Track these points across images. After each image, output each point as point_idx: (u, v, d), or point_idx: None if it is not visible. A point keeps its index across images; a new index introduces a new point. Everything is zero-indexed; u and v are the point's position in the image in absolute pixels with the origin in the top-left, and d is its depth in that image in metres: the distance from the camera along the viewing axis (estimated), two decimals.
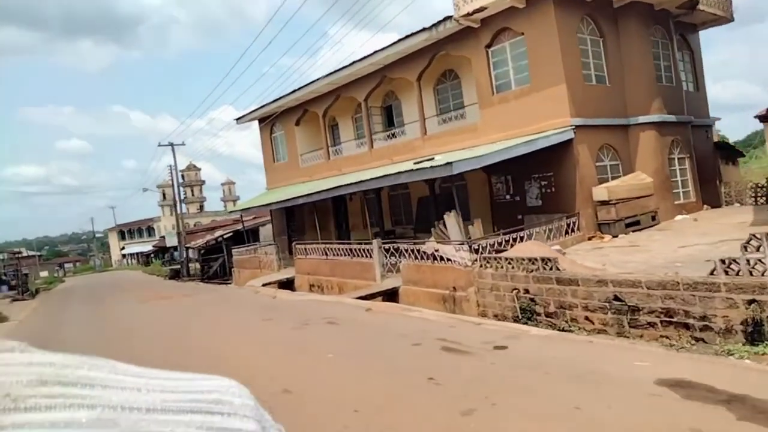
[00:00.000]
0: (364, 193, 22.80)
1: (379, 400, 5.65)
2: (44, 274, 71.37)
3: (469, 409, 5.00)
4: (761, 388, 4.87)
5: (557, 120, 15.26)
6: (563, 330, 9.97)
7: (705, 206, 18.08)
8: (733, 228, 13.75)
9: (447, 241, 14.03)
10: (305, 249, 20.90)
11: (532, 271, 11.21)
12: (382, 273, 16.30)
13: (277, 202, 22.64)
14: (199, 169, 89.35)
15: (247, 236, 29.46)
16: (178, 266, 41.61)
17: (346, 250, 18.29)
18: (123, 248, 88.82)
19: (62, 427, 0.36)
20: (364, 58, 20.31)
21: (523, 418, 4.74)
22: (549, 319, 10.75)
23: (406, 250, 15.14)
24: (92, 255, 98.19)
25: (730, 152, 21.79)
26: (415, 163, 16.17)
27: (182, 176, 74.09)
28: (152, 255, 67.81)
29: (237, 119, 29.74)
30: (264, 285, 20.97)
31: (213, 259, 37.04)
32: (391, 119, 23.43)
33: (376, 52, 19.78)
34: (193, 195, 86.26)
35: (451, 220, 14.17)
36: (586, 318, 10.03)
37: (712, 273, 8.56)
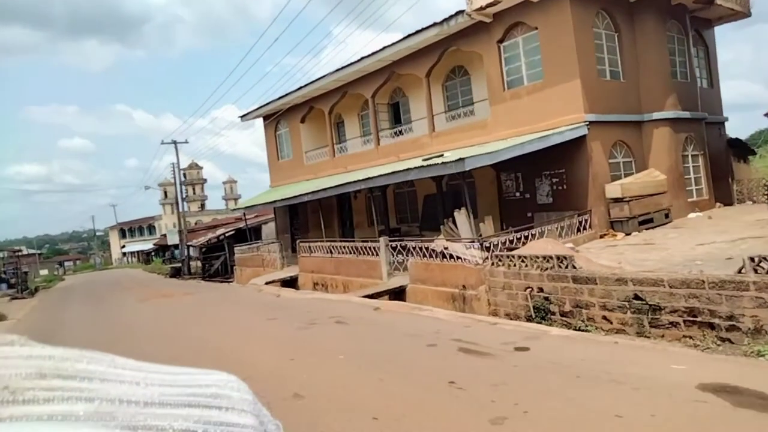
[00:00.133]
0: (369, 191, 22.47)
1: (399, 407, 5.28)
2: (44, 272, 71.07)
3: (499, 417, 4.64)
4: None
5: (570, 116, 14.90)
6: (580, 330, 9.62)
7: (718, 204, 17.72)
8: (751, 226, 13.40)
9: (457, 238, 13.66)
10: (309, 247, 20.54)
11: (546, 269, 10.84)
12: (389, 271, 15.94)
13: (282, 200, 22.29)
14: (201, 168, 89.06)
15: (249, 234, 29.13)
16: (179, 264, 41.27)
17: (352, 248, 17.93)
18: (123, 246, 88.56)
19: (60, 419, 0.35)
20: (373, 54, 19.96)
21: (561, 426, 4.38)
22: (564, 318, 10.39)
23: (414, 248, 14.78)
24: (93, 253, 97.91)
25: (741, 150, 21.41)
26: (424, 160, 15.81)
27: (184, 175, 73.79)
28: (153, 253, 67.52)
29: (241, 116, 29.41)
30: (267, 283, 20.61)
31: (214, 257, 36.70)
32: (398, 116, 23.07)
33: (385, 47, 19.43)
34: (194, 193, 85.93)
35: (462, 217, 13.81)
36: (604, 317, 9.67)
37: (740, 271, 8.21)
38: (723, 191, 18.36)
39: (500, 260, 11.92)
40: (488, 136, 17.07)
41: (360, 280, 16.89)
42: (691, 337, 8.43)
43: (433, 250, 14.00)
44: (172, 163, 40.74)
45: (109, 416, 0.38)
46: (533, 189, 16.32)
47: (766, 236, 11.86)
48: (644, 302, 9.01)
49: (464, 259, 12.96)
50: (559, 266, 10.60)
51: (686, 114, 16.71)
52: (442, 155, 15.63)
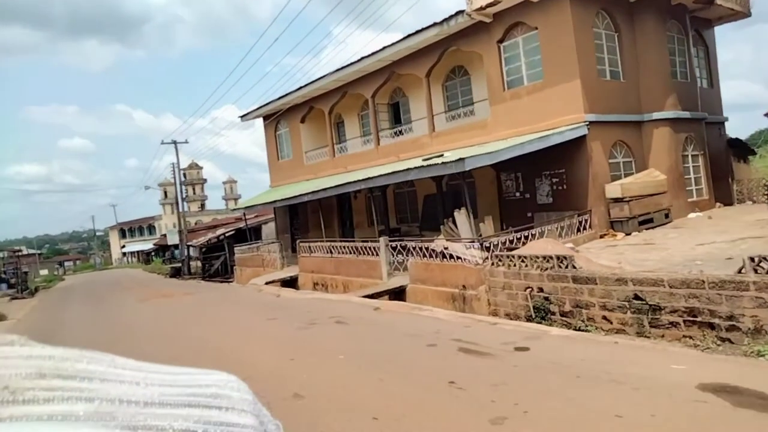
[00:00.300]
0: (369, 191, 22.47)
1: (399, 407, 5.28)
2: (44, 272, 71.09)
3: (499, 417, 4.63)
4: None
5: (570, 116, 14.90)
6: (580, 330, 9.62)
7: (718, 204, 17.72)
8: (751, 226, 13.40)
9: (457, 238, 13.66)
10: (309, 247, 20.54)
11: (546, 269, 10.84)
12: (389, 271, 15.94)
13: (282, 200, 22.29)
14: (201, 168, 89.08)
15: (249, 234, 29.14)
16: (179, 264, 41.26)
17: (352, 248, 17.93)
18: (123, 246, 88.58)
19: (60, 419, 0.35)
20: (373, 54, 19.96)
21: (561, 426, 4.37)
22: (564, 318, 10.39)
23: (414, 248, 14.78)
24: (92, 253, 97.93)
25: (741, 150, 21.41)
26: (424, 160, 15.82)
27: (184, 175, 73.77)
28: (153, 253, 67.53)
29: (241, 116, 29.41)
30: (267, 283, 20.61)
31: (214, 257, 36.69)
32: (397, 116, 23.07)
33: (385, 47, 19.43)
34: (194, 193, 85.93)
35: (462, 217, 13.81)
36: (604, 317, 9.67)
37: (740, 271, 8.22)
38: (723, 191, 18.37)
39: (500, 260, 11.92)
40: (488, 136, 17.07)
41: (360, 280, 16.90)
42: (691, 337, 8.43)
43: (433, 250, 14.00)
44: (172, 163, 40.77)
45: (110, 416, 0.38)
46: (533, 189, 16.32)
47: (766, 236, 11.86)
48: (644, 302, 9.01)
49: (464, 259, 12.96)
50: (559, 266, 10.60)
51: (686, 114, 16.71)
52: (442, 155, 15.63)
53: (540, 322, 10.48)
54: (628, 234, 14.47)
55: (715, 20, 19.49)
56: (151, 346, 10.19)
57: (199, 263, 38.77)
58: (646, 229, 14.79)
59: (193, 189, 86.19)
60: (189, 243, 39.82)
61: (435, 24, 17.54)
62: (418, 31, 18.17)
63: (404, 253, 15.47)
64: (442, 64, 19.14)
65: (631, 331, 9.22)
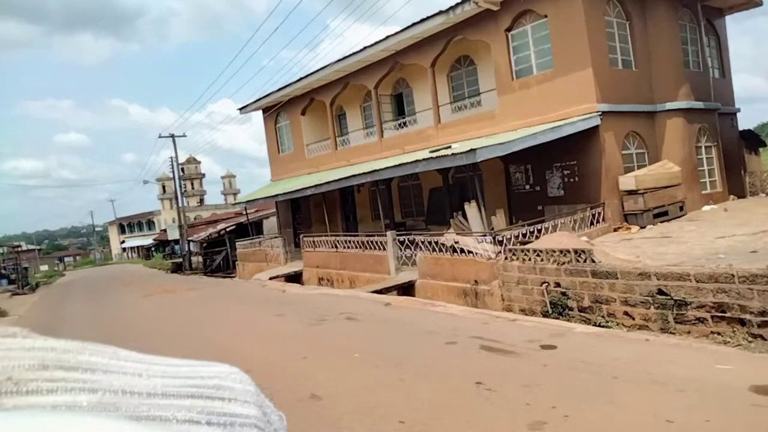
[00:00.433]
0: (375, 184, 22.11)
1: (426, 410, 4.94)
2: (44, 268, 70.76)
3: (537, 421, 4.30)
4: None
5: (582, 106, 14.53)
6: (600, 326, 9.30)
7: (731, 196, 17.38)
8: None
9: (468, 232, 13.32)
10: (314, 241, 20.21)
11: (563, 263, 10.51)
12: (397, 266, 15.61)
13: (284, 194, 21.91)
14: (199, 162, 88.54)
15: (251, 229, 28.77)
16: (180, 260, 40.91)
17: (358, 242, 17.60)
18: (123, 242, 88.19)
19: (64, 410, 0.36)
20: (376, 43, 19.54)
21: None
22: (582, 314, 10.07)
23: (423, 242, 14.44)
24: (92, 249, 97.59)
25: (752, 141, 21.05)
26: (431, 152, 15.45)
27: (182, 169, 73.27)
28: (153, 248, 67.20)
29: (240, 109, 28.97)
30: (271, 278, 20.29)
31: (216, 253, 36.34)
32: (401, 108, 22.66)
33: (388, 37, 19.01)
34: (193, 188, 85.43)
35: (473, 210, 13.46)
36: (626, 313, 9.35)
37: None
38: (735, 183, 18.03)
39: (514, 254, 11.59)
40: (496, 127, 16.69)
41: (367, 275, 16.57)
42: (719, 333, 8.11)
43: (443, 245, 13.67)
44: (171, 157, 40.32)
45: (113, 407, 0.38)
46: (544, 181, 15.96)
47: None
48: (669, 297, 8.68)
49: (476, 254, 12.63)
50: (577, 260, 10.27)
51: (699, 104, 16.35)
52: (449, 147, 15.27)
53: (557, 318, 10.17)
54: (642, 227, 14.14)
55: (727, 9, 19.11)
56: (158, 344, 9.85)
57: (200, 258, 38.40)
58: (661, 222, 14.45)
59: (192, 184, 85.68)
60: (189, 238, 39.46)
61: (440, 12, 17.12)
62: (422, 20, 17.75)
63: (412, 248, 15.14)
64: (447, 53, 18.73)
65: (654, 327, 8.91)
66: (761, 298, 7.65)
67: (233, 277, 27.73)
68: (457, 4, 16.60)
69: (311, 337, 9.27)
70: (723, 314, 8.08)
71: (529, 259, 11.23)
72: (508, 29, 16.27)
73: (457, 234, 13.45)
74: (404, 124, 21.59)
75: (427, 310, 10.55)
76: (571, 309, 10.28)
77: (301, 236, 21.35)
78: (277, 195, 22.61)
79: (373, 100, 21.54)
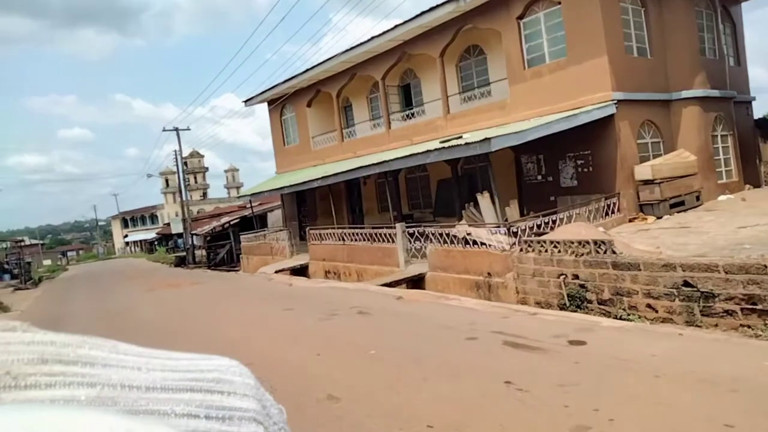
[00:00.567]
0: (379, 177, 21.76)
1: (455, 413, 4.63)
2: (47, 262, 70.65)
3: (580, 425, 3.99)
4: None
5: (597, 94, 14.16)
6: (621, 319, 8.99)
7: (747, 186, 17.01)
8: None
9: (481, 223, 13.00)
10: (320, 234, 19.90)
11: (582, 255, 10.18)
12: (406, 258, 15.30)
13: (290, 186, 21.57)
14: (203, 156, 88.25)
15: (255, 222, 28.46)
16: (184, 253, 40.65)
17: (366, 234, 17.28)
18: (126, 236, 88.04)
19: (62, 404, 0.36)
20: (384, 33, 19.15)
21: None
22: (602, 307, 9.75)
23: (434, 234, 14.11)
24: (95, 243, 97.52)
25: (766, 130, 20.62)
26: (441, 142, 15.11)
27: (185, 163, 72.91)
28: (156, 242, 67.00)
29: (245, 101, 28.59)
30: (277, 272, 19.99)
31: (220, 246, 36.06)
32: (408, 99, 22.28)
33: (396, 26, 18.61)
34: (196, 182, 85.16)
35: (485, 201, 13.13)
36: (649, 306, 9.02)
37: None
38: (750, 173, 17.65)
39: (530, 246, 11.26)
40: (507, 117, 16.33)
41: (375, 268, 16.27)
42: (749, 327, 7.78)
43: (455, 236, 13.35)
44: (175, 151, 39.99)
45: (111, 401, 0.38)
46: (556, 171, 15.61)
47: None
48: (695, 289, 8.36)
49: (489, 245, 12.31)
50: (597, 252, 9.94)
51: (716, 92, 15.96)
52: (461, 137, 14.92)
53: (575, 311, 9.86)
54: (659, 218, 13.79)
55: None
56: (164, 340, 9.58)
57: (203, 252, 38.13)
58: (677, 212, 14.11)
59: (195, 178, 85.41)
60: (193, 232, 39.18)
61: (450, 0, 16.72)
62: (431, 9, 17.34)
63: (422, 240, 14.82)
64: (456, 43, 18.33)
65: (679, 320, 8.59)
66: None
67: (237, 270, 27.46)
68: None
69: (323, 332, 8.97)
70: (754, 306, 7.75)
71: (546, 251, 10.90)
72: (520, 17, 15.88)
73: (470, 225, 13.12)
74: (412, 115, 21.23)
75: (442, 304, 10.24)
76: (589, 302, 9.97)
77: (307, 229, 21.03)
78: (282, 187, 22.28)
79: (381, 91, 21.16)
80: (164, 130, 39.78)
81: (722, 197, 15.48)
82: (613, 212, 13.90)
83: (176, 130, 39.49)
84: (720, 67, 16.67)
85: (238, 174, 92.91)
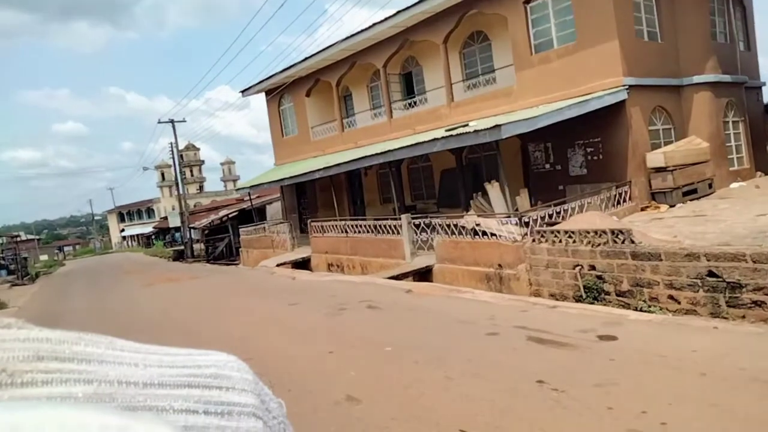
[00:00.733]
0: (381, 167, 21.37)
1: (488, 415, 4.28)
2: (44, 257, 70.14)
3: (631, 430, 3.64)
4: None
5: (607, 80, 13.77)
6: (641, 310, 8.66)
7: (758, 173, 16.67)
8: None
9: (490, 213, 12.64)
10: (322, 226, 19.52)
11: (599, 245, 9.83)
12: (412, 251, 14.94)
13: (290, 177, 21.16)
14: (198, 149, 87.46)
15: (254, 215, 28.04)
16: (182, 247, 40.23)
17: (370, 226, 16.91)
18: (123, 230, 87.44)
19: (58, 402, 0.36)
20: (386, 19, 18.68)
21: None
22: (621, 298, 9.42)
23: (441, 226, 13.75)
24: (92, 238, 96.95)
25: None
26: (447, 130, 14.72)
27: (181, 156, 72.10)
28: (153, 236, 66.52)
29: (242, 91, 28.08)
30: (278, 265, 19.62)
31: (218, 240, 35.67)
32: (410, 87, 21.83)
33: (398, 12, 18.14)
34: (192, 175, 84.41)
35: (495, 190, 12.77)
36: (671, 297, 8.69)
37: None
38: (761, 160, 17.29)
39: (543, 236, 10.91)
40: (514, 104, 15.95)
41: (380, 260, 15.92)
42: None
43: (463, 227, 12.99)
44: (171, 143, 39.50)
45: (109, 397, 0.38)
46: (565, 160, 15.24)
47: None
48: (721, 279, 8.02)
49: (499, 236, 11.96)
50: (615, 241, 9.59)
51: (727, 78, 15.59)
52: (467, 125, 14.53)
53: (592, 303, 9.53)
54: (672, 206, 13.46)
55: None
56: (166, 338, 9.21)
57: (202, 246, 37.71)
58: (690, 200, 13.77)
59: (191, 171, 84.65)
60: (191, 225, 38.74)
61: None
62: None
63: (428, 231, 14.46)
64: (459, 29, 17.88)
65: (703, 311, 8.26)
66: None
67: (237, 264, 27.08)
68: None
69: (333, 328, 8.62)
70: None
71: (560, 241, 10.55)
72: (527, 1, 15.46)
73: (478, 216, 12.76)
74: (414, 103, 20.81)
75: (454, 297, 9.89)
76: (607, 293, 9.63)
77: (308, 221, 20.64)
78: (283, 179, 21.85)
79: (382, 80, 20.72)
80: (160, 122, 39.28)
81: (734, 185, 15.15)
82: (624, 201, 13.56)
83: (172, 122, 38.98)
84: (731, 51, 16.29)
85: (235, 167, 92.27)
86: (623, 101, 13.63)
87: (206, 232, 37.32)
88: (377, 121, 22.04)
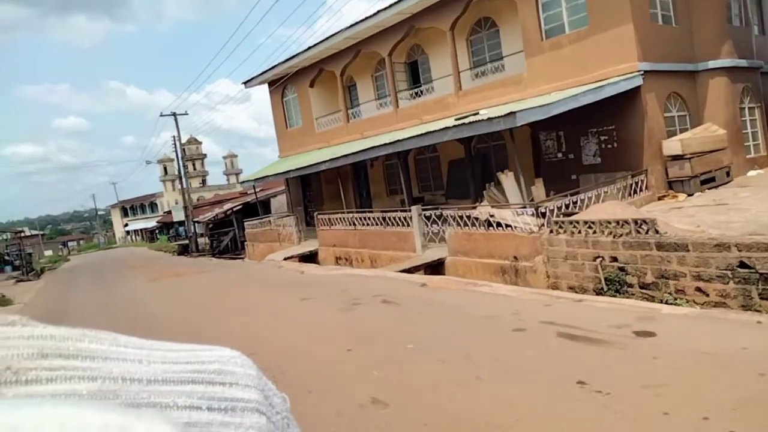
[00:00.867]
0: (387, 159, 21.04)
1: (530, 421, 4.00)
2: (48, 253, 69.99)
3: None
4: None
5: (622, 65, 13.40)
6: (667, 303, 8.37)
7: None
8: None
9: (504, 204, 12.33)
10: (329, 219, 19.23)
11: (621, 235, 9.54)
12: (423, 243, 14.66)
13: (296, 170, 20.85)
14: (200, 143, 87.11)
15: (259, 208, 27.76)
16: (186, 241, 40.00)
17: (379, 219, 16.62)
18: (126, 225, 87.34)
19: (63, 399, 0.36)
20: (390, 6, 18.28)
21: None
22: (645, 291, 9.13)
23: (453, 217, 13.45)
24: (95, 233, 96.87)
25: None
26: (457, 119, 14.38)
27: (183, 150, 71.65)
28: (156, 231, 66.35)
29: (245, 82, 27.68)
30: (285, 259, 19.36)
31: (223, 233, 35.44)
32: (416, 76, 21.45)
33: None
34: (194, 169, 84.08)
35: (509, 180, 12.45)
36: (698, 289, 8.39)
37: None
38: None
39: (561, 227, 10.60)
40: (524, 92, 15.59)
41: (389, 253, 15.64)
42: None
43: (476, 219, 12.69)
44: (173, 136, 39.16)
45: (113, 394, 0.38)
46: (578, 149, 14.90)
47: None
48: (753, 270, 7.72)
49: (515, 227, 11.66)
50: (638, 232, 9.29)
51: (743, 62, 15.21)
52: (477, 113, 14.19)
53: (614, 296, 9.25)
54: (689, 195, 13.13)
55: None
56: (175, 335, 8.94)
57: (206, 240, 37.47)
58: (708, 188, 13.44)
59: (193, 164, 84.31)
60: (195, 219, 38.48)
61: None
62: None
63: (440, 223, 14.17)
64: (467, 15, 17.49)
65: (733, 304, 7.97)
66: None
67: (242, 258, 26.83)
68: None
69: (348, 324, 8.34)
70: None
71: (579, 232, 10.25)
72: None
73: (492, 207, 12.46)
74: (420, 92, 20.44)
75: (472, 291, 9.60)
76: (630, 286, 9.34)
77: (315, 214, 20.34)
78: (288, 171, 21.53)
79: (387, 68, 20.34)
80: (162, 115, 38.91)
81: (752, 173, 14.83)
82: (641, 190, 13.24)
83: (174, 114, 38.63)
84: (746, 35, 15.91)
85: (237, 160, 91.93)
86: (638, 87, 13.28)
87: (210, 226, 37.08)
88: (383, 111, 21.68)
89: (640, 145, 13.56)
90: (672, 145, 13.37)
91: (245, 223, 27.56)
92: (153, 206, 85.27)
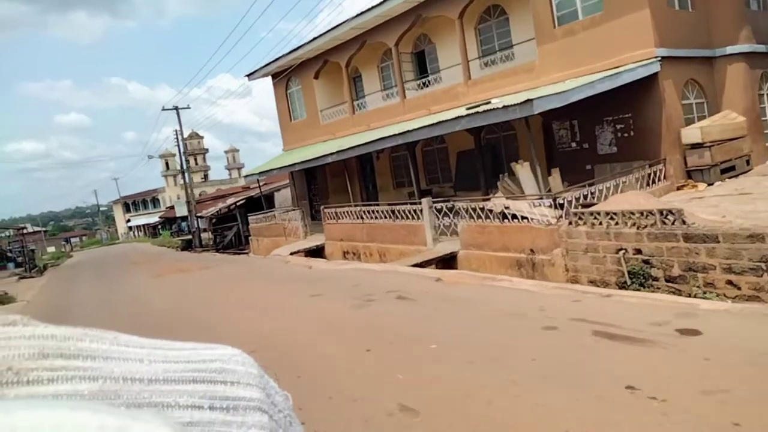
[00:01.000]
0: (393, 151, 20.67)
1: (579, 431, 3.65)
2: (51, 249, 69.74)
3: None
4: None
5: (638, 52, 12.99)
6: (695, 297, 8.01)
7: None
8: None
9: (520, 195, 11.96)
10: (336, 213, 18.87)
11: (645, 226, 9.17)
12: (434, 236, 14.30)
13: (301, 162, 20.45)
14: (202, 137, 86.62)
15: (263, 203, 27.40)
16: (189, 237, 39.69)
17: (387, 212, 16.24)
18: (129, 220, 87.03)
19: (65, 399, 0.37)
20: None
21: None
22: (671, 284, 8.78)
23: (465, 209, 13.09)
24: (98, 229, 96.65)
25: None
26: (468, 108, 13.99)
27: (185, 145, 71.05)
28: (159, 226, 66.07)
29: (248, 75, 27.27)
30: (292, 254, 19.02)
31: (227, 228, 35.12)
32: (423, 66, 21.02)
33: None
34: (196, 164, 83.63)
35: (525, 171, 12.08)
36: (729, 282, 8.04)
37: None
38: None
39: (580, 218, 10.23)
40: (536, 80, 15.18)
41: (399, 247, 15.28)
42: None
43: (490, 211, 12.32)
44: (175, 130, 38.74)
45: (114, 394, 0.38)
46: (593, 138, 14.50)
47: None
48: None
49: (531, 219, 11.29)
50: (663, 223, 8.92)
51: (762, 48, 14.77)
52: (488, 102, 13.79)
53: (638, 290, 8.90)
54: (710, 184, 12.75)
55: None
56: (183, 334, 8.62)
57: (210, 235, 37.16)
58: (728, 178, 13.05)
59: (195, 159, 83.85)
60: (198, 214, 38.15)
61: None
62: None
63: (451, 216, 13.81)
64: (475, 3, 17.05)
65: (767, 297, 7.62)
66: None
67: (247, 253, 26.49)
68: None
69: (363, 322, 8.00)
70: None
71: (600, 224, 9.89)
72: None
73: (507, 198, 12.08)
74: (428, 83, 20.02)
75: (490, 286, 9.25)
76: (655, 279, 8.99)
77: (322, 208, 19.98)
78: (293, 164, 21.13)
79: (394, 59, 19.91)
80: (164, 110, 38.51)
81: None
82: (659, 180, 12.86)
83: (176, 109, 38.21)
84: (765, 19, 15.45)
85: (239, 154, 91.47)
86: (656, 74, 12.87)
87: (214, 220, 36.76)
88: (389, 102, 21.27)
89: (658, 134, 13.16)
90: (691, 133, 12.97)
91: (249, 218, 27.20)
92: (155, 202, 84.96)
